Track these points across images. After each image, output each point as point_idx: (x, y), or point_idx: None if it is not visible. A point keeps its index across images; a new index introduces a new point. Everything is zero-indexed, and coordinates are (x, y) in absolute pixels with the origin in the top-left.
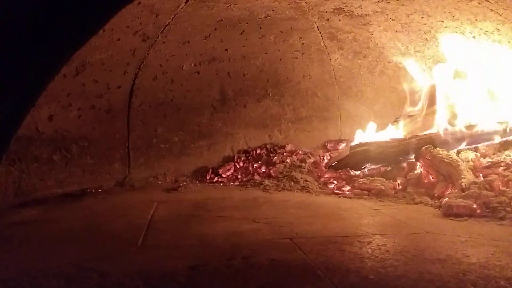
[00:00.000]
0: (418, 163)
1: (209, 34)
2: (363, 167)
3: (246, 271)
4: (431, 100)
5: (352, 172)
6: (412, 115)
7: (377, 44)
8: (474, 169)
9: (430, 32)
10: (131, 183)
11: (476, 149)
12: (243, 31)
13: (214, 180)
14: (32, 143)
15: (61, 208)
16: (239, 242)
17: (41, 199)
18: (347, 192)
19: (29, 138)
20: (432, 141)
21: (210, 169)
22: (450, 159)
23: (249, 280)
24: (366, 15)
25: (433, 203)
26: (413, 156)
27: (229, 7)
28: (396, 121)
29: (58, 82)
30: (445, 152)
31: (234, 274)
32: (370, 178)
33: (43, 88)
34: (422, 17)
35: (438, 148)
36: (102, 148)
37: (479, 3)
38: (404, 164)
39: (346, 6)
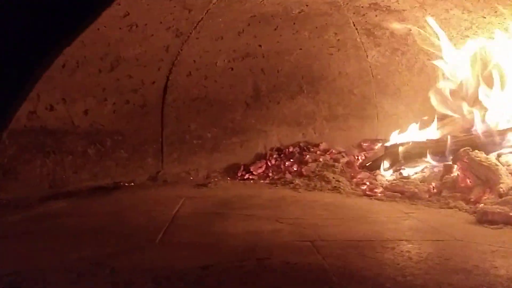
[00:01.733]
0: (455, 166)
1: (242, 30)
2: (398, 168)
3: (257, 274)
4: (472, 100)
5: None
6: (451, 115)
7: (415, 41)
8: None
9: (471, 28)
10: (164, 178)
11: None
12: (277, 26)
13: (245, 177)
14: (67, 136)
15: (90, 201)
16: (256, 242)
17: (74, 192)
18: (379, 194)
19: (64, 131)
20: (471, 143)
21: (242, 166)
22: (488, 162)
23: (258, 284)
24: (403, 10)
25: (468, 208)
26: (450, 158)
27: (262, 2)
28: (434, 121)
29: (93, 77)
30: (484, 155)
31: (244, 276)
32: (404, 180)
33: (36, 78)
34: (463, 13)
35: (476, 151)
36: (135, 143)
37: None
38: (440, 166)
39: (383, 1)
